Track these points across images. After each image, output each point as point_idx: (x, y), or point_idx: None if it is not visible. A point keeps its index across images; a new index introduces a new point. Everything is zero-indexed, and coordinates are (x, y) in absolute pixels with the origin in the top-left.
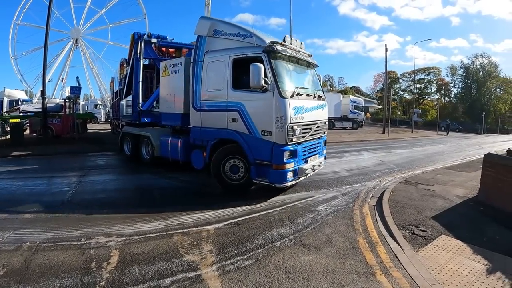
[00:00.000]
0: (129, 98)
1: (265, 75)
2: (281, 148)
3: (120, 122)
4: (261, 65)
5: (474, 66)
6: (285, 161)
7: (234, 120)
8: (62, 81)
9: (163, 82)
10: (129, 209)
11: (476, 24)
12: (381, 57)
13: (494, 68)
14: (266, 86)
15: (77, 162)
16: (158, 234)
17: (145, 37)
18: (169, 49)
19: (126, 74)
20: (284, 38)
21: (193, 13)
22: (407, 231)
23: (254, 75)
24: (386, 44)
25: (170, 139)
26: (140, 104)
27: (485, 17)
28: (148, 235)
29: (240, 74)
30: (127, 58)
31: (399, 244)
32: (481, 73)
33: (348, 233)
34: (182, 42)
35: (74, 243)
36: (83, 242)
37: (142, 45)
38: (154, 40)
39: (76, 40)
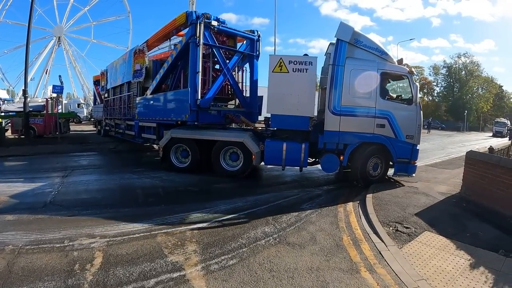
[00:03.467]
0: (171, 93)
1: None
2: (416, 147)
3: (134, 123)
4: (418, 84)
5: (457, 65)
6: (418, 157)
7: (381, 126)
8: (46, 73)
9: (276, 80)
10: (112, 210)
11: (456, 25)
12: None
13: (476, 67)
14: (418, 100)
15: (60, 162)
16: (142, 234)
17: (204, 18)
18: (222, 36)
19: (149, 65)
20: (401, 59)
21: (178, 12)
22: (391, 228)
23: (415, 91)
24: None
25: (285, 144)
26: (198, 101)
27: (465, 18)
28: (131, 236)
29: (384, 86)
30: (146, 43)
31: (383, 241)
32: (463, 72)
33: (332, 231)
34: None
35: (57, 245)
36: (66, 244)
37: (202, 27)
38: (214, 23)
39: (59, 38)
